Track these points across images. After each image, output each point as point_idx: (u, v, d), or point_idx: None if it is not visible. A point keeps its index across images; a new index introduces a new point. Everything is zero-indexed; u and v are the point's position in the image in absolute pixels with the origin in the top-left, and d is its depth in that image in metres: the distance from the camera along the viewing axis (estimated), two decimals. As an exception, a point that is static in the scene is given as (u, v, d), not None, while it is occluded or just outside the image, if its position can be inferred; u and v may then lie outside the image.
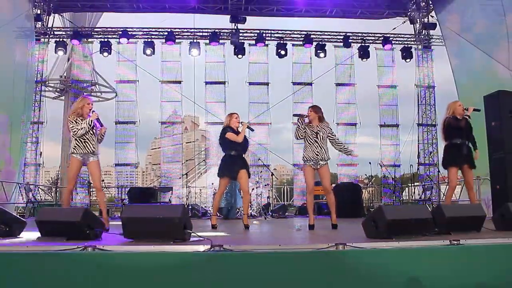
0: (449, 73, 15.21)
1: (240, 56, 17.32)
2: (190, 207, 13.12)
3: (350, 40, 17.64)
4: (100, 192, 6.90)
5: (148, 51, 17.08)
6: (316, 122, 7.24)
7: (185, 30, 17.62)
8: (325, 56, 17.53)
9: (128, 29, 17.04)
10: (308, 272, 3.79)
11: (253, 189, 12.55)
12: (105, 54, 16.97)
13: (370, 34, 17.91)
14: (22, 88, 14.30)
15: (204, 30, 17.58)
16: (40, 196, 15.57)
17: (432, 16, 17.17)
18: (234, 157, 7.47)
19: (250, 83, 17.72)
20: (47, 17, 16.96)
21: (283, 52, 17.38)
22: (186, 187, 14.84)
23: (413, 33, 18.06)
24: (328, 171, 7.30)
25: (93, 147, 6.54)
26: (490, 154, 8.71)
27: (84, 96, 6.90)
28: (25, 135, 15.21)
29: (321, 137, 7.13)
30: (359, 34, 17.87)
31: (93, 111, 6.62)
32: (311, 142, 7.14)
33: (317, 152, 7.08)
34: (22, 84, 14.26)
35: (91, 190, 14.86)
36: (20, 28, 14.33)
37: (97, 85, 18.53)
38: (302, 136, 7.23)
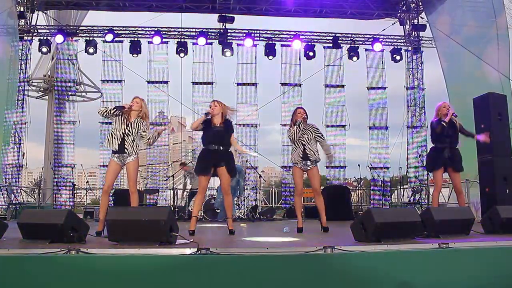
0: (439, 75, 15.33)
1: (228, 55, 17.29)
2: (176, 209, 13.06)
3: (339, 41, 17.69)
4: (133, 195, 6.58)
5: (135, 51, 17.00)
6: (303, 124, 7.23)
7: (172, 29, 17.57)
8: (314, 57, 17.57)
9: (114, 28, 16.95)
10: (296, 275, 3.80)
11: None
12: (91, 51, 16.85)
13: (359, 35, 17.98)
14: (5, 87, 14.15)
15: (191, 30, 17.56)
16: (23, 198, 15.42)
17: (422, 18, 17.31)
18: (209, 151, 6.63)
19: (238, 84, 17.70)
20: (31, 14, 16.82)
21: (271, 53, 17.39)
22: (173, 189, 14.79)
23: (403, 34, 18.19)
24: (318, 173, 7.23)
25: (119, 146, 6.38)
26: (479, 157, 8.79)
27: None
28: (8, 135, 15.05)
29: (307, 138, 7.12)
30: (349, 35, 17.93)
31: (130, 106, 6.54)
32: (298, 145, 7.13)
33: (304, 155, 7.06)
34: (4, 83, 14.11)
35: (75, 191, 14.76)
36: (3, 25, 14.17)
37: (82, 85, 18.40)
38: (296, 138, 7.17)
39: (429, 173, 7.76)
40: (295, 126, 7.13)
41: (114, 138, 6.41)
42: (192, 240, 4.64)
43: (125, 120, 6.45)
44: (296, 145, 7.15)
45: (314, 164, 7.13)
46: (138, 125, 6.49)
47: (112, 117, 6.48)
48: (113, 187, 7.27)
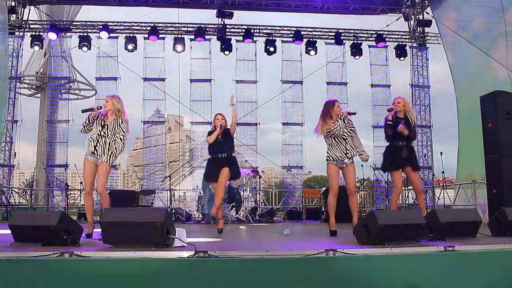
0: (445, 72, 15.34)
1: (227, 52, 17.30)
2: (173, 211, 13.06)
3: (342, 37, 17.70)
4: (102, 195, 6.51)
5: (130, 47, 17.00)
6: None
7: (169, 24, 17.56)
8: (316, 54, 17.58)
9: (109, 23, 16.95)
10: (296, 279, 3.80)
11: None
12: (84, 49, 16.85)
13: (362, 31, 17.99)
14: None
15: (189, 25, 17.55)
16: (14, 199, 15.41)
17: (427, 13, 17.32)
18: (213, 160, 7.69)
19: (238, 81, 17.71)
20: (22, 9, 16.81)
21: (272, 49, 17.39)
22: (170, 190, 14.79)
23: (408, 30, 18.20)
24: (354, 170, 7.04)
25: (95, 148, 6.35)
26: (486, 157, 8.78)
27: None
28: (0, 135, 15.02)
29: (346, 134, 6.92)
30: (352, 31, 17.94)
31: (100, 106, 6.54)
32: (339, 140, 6.90)
33: (346, 150, 6.87)
34: (-5, 80, 14.11)
35: (68, 193, 14.75)
36: (-7, 21, 14.18)
37: (75, 82, 18.36)
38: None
39: (384, 172, 7.64)
40: (339, 120, 6.88)
41: (91, 141, 6.41)
42: (189, 243, 4.64)
43: (100, 122, 6.43)
44: (337, 140, 6.90)
45: (351, 162, 6.95)
46: (115, 127, 6.42)
47: (92, 125, 6.46)
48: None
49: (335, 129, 6.84)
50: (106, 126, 6.41)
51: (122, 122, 6.47)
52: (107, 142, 6.37)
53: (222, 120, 7.71)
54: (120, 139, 6.44)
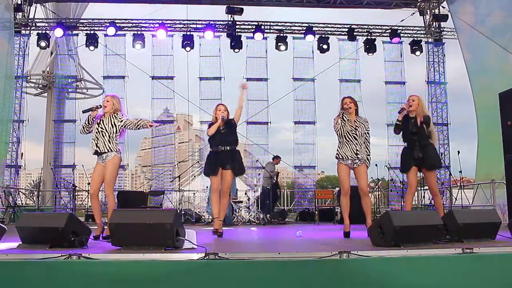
0: (462, 69, 15.20)
1: (237, 50, 17.29)
2: (183, 212, 13.11)
3: (355, 33, 17.59)
4: (108, 197, 6.54)
5: (138, 45, 17.03)
6: (354, 116, 7.12)
7: (178, 21, 17.56)
8: (328, 50, 17.50)
9: (116, 21, 16.99)
10: (309, 282, 3.79)
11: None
12: (91, 47, 16.86)
13: (376, 27, 17.87)
14: (2, 84, 14.24)
15: (198, 22, 17.56)
16: (21, 201, 15.53)
17: (443, 7, 17.20)
18: (215, 153, 7.41)
19: (248, 79, 17.64)
20: (29, 7, 16.87)
21: (283, 46, 17.36)
22: (179, 191, 14.84)
23: (423, 25, 18.08)
24: (366, 170, 7.08)
25: (97, 146, 6.49)
26: (505, 156, 8.71)
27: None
28: (6, 135, 15.12)
29: (360, 133, 6.99)
30: (365, 26, 17.84)
31: (100, 105, 6.69)
32: (349, 138, 6.97)
33: (356, 150, 6.92)
34: (1, 80, 14.21)
35: (76, 193, 14.85)
36: (-1, 19, 14.29)
37: (82, 81, 18.50)
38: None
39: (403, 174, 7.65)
40: (339, 119, 7.04)
41: (93, 140, 6.55)
42: (199, 245, 4.65)
43: (96, 120, 6.60)
44: (346, 139, 6.99)
45: (362, 162, 6.98)
46: (111, 120, 6.57)
47: (91, 126, 6.63)
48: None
49: (336, 128, 7.04)
50: (102, 121, 6.58)
51: (117, 114, 6.67)
52: (106, 134, 6.52)
53: (224, 111, 7.60)
54: (124, 121, 6.66)
